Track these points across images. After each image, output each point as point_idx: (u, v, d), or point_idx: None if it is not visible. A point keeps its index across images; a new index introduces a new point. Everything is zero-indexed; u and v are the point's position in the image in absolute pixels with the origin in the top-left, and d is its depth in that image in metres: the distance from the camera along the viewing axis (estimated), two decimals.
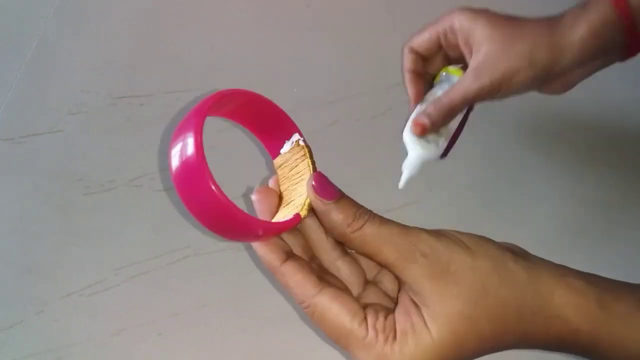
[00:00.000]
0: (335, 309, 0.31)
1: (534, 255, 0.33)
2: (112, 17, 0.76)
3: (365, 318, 0.31)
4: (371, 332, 0.30)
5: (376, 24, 0.74)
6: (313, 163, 0.35)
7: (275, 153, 0.38)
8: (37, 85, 0.70)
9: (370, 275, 0.35)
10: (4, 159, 0.65)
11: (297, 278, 0.32)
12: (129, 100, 0.69)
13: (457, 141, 0.55)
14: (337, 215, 0.31)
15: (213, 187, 0.31)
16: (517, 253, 0.32)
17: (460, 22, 0.48)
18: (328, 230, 0.33)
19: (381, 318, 0.31)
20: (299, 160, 0.36)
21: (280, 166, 0.37)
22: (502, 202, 0.61)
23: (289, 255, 0.32)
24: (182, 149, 0.33)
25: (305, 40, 0.73)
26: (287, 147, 0.37)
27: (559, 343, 0.31)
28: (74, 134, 0.67)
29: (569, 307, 0.30)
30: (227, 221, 0.31)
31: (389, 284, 0.35)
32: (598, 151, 0.64)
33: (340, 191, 0.32)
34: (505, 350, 0.31)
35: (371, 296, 0.34)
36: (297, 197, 0.34)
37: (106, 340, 0.55)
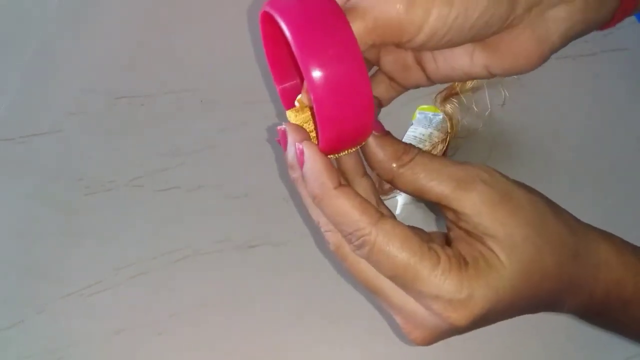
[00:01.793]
0: (400, 235, 0.28)
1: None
2: (112, 17, 0.76)
3: (431, 246, 0.28)
4: (444, 257, 0.28)
5: None
6: None
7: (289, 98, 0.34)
8: (37, 86, 0.70)
9: None
10: (4, 159, 0.65)
11: (356, 202, 0.28)
12: (129, 100, 0.69)
13: None
14: (387, 148, 0.29)
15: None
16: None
17: None
18: (374, 166, 0.30)
19: (446, 248, 0.29)
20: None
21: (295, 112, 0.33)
22: None
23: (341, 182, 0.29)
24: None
25: None
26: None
27: (604, 296, 0.31)
28: (74, 134, 0.67)
29: (613, 258, 0.31)
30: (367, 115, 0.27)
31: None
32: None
33: (386, 130, 0.30)
34: (554, 307, 0.31)
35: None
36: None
37: (106, 340, 0.55)
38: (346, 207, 0.28)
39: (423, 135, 0.59)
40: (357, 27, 0.27)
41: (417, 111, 0.62)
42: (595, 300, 0.31)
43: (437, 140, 0.59)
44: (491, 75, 0.33)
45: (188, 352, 0.55)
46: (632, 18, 0.69)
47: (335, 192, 0.28)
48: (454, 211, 0.29)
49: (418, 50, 0.32)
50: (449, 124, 0.60)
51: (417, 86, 0.35)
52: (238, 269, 0.58)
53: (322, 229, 0.30)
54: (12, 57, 0.73)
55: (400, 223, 0.29)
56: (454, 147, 0.62)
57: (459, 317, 0.27)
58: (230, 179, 0.63)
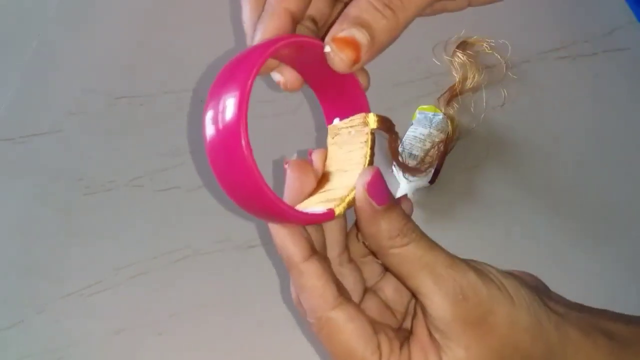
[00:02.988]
0: (349, 331, 0.28)
1: (559, 297, 0.31)
2: (112, 17, 0.76)
3: (379, 347, 0.28)
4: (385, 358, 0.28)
5: None
6: (372, 155, 0.30)
7: (332, 120, 0.32)
8: (37, 86, 0.70)
9: (370, 282, 0.33)
10: (3, 159, 0.65)
11: (317, 283, 0.28)
12: (128, 100, 0.69)
13: (442, 167, 0.59)
14: (383, 225, 0.27)
15: (248, 159, 0.25)
16: (543, 292, 0.30)
17: None
18: (366, 237, 0.29)
19: (396, 349, 0.28)
20: (356, 145, 0.30)
21: (333, 141, 0.32)
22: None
23: (313, 252, 0.28)
24: (221, 110, 0.26)
25: None
26: (349, 121, 0.31)
27: None
28: (74, 134, 0.67)
29: None
30: (255, 198, 0.26)
31: (390, 292, 0.32)
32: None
33: (393, 198, 0.28)
34: None
35: (371, 307, 0.31)
36: (339, 187, 0.29)
37: (106, 340, 0.55)
38: (308, 286, 0.28)
39: (423, 135, 0.59)
40: None
41: (417, 111, 0.62)
42: None
43: (437, 141, 0.59)
44: (469, 5, 0.33)
45: (188, 352, 0.55)
46: (633, 18, 0.69)
47: (299, 268, 0.28)
48: (424, 308, 0.28)
49: None
50: (450, 128, 0.60)
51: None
52: (238, 269, 0.58)
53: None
54: (12, 57, 0.72)
55: (356, 316, 0.28)
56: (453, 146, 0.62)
57: None
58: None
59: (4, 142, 0.66)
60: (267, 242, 0.59)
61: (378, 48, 0.26)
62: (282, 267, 0.60)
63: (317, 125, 0.65)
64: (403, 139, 0.59)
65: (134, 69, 0.71)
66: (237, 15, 0.78)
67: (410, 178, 0.57)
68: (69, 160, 0.65)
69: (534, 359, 0.28)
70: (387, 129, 0.30)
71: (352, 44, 0.25)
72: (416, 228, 0.28)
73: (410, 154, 0.59)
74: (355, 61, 0.26)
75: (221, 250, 0.59)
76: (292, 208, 0.27)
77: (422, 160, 0.57)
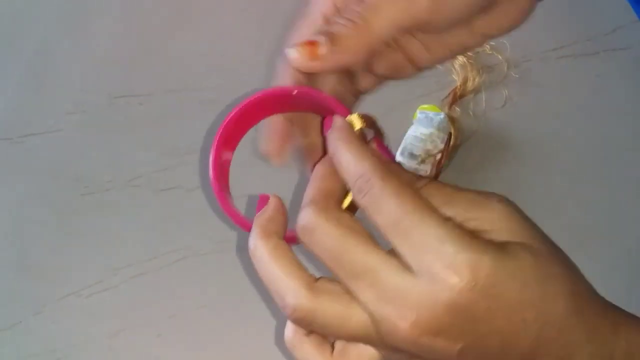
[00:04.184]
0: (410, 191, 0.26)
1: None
2: (112, 17, 0.75)
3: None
4: (452, 221, 0.25)
5: None
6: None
7: None
8: (36, 85, 0.70)
9: None
10: (2, 159, 0.65)
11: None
12: (127, 99, 0.69)
13: (442, 167, 0.58)
14: (404, 174, 0.27)
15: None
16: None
17: None
18: None
19: None
20: None
21: None
22: None
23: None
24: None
25: None
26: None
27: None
28: (72, 134, 0.66)
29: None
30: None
31: None
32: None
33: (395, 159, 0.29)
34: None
35: None
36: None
37: (105, 341, 0.55)
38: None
39: (424, 135, 0.59)
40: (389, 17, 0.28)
41: (418, 111, 0.61)
42: None
43: (438, 140, 0.59)
44: (485, 40, 0.33)
45: (188, 352, 0.54)
46: (634, 17, 0.69)
47: None
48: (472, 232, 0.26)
49: (433, 32, 0.32)
50: (453, 131, 0.60)
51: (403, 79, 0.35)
52: (238, 270, 0.58)
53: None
54: (11, 56, 0.72)
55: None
56: (453, 147, 0.61)
57: (460, 279, 0.23)
58: (230, 179, 0.62)
59: (3, 142, 0.66)
60: None
61: (341, 54, 0.28)
62: None
63: None
64: (404, 139, 0.59)
65: (133, 69, 0.71)
66: (238, 15, 0.78)
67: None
68: (67, 160, 0.65)
69: (580, 279, 0.27)
70: (372, 125, 0.30)
71: (311, 43, 0.28)
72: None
73: (411, 154, 0.58)
74: (313, 56, 0.28)
75: (221, 250, 0.59)
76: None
77: (432, 164, 0.57)
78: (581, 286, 0.26)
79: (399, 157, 0.57)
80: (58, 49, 0.73)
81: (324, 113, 0.31)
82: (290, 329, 0.28)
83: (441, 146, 0.59)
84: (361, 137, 0.28)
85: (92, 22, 0.75)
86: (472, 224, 0.25)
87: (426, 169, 0.57)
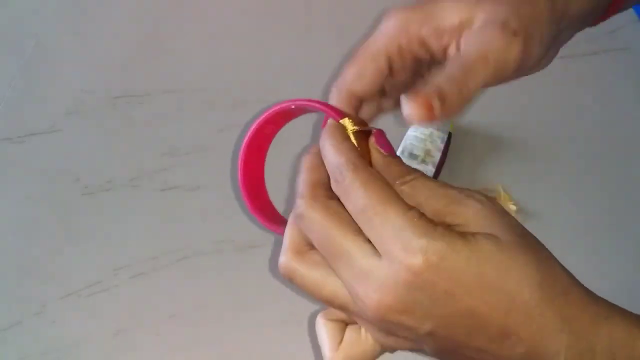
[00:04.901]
0: (380, 180, 0.29)
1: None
2: (112, 17, 0.75)
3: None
4: (416, 210, 0.27)
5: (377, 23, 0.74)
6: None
7: None
8: (36, 85, 0.70)
9: None
10: (1, 159, 0.65)
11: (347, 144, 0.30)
12: (127, 99, 0.69)
13: (442, 167, 0.58)
14: (392, 167, 0.30)
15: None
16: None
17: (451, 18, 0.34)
18: None
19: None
20: None
21: None
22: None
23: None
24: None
25: (305, 39, 0.73)
26: None
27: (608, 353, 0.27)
28: (72, 134, 0.66)
29: (620, 320, 0.28)
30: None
31: None
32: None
33: (395, 152, 0.32)
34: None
35: None
36: None
37: (105, 341, 0.55)
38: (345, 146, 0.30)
39: (424, 134, 0.59)
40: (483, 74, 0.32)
41: None
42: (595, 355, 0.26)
43: (438, 140, 0.59)
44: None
45: (187, 352, 0.54)
46: (635, 17, 0.69)
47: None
48: (449, 226, 0.28)
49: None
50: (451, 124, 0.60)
51: None
52: (238, 270, 0.58)
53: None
54: (11, 56, 0.72)
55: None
56: (453, 147, 0.61)
57: (416, 261, 0.26)
58: (230, 179, 0.63)
59: (2, 142, 0.66)
60: (267, 242, 0.59)
61: (446, 111, 0.31)
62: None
63: (315, 127, 0.64)
64: (404, 139, 0.59)
65: (132, 68, 0.71)
66: (238, 15, 0.78)
67: None
68: (67, 160, 0.65)
69: (560, 273, 0.28)
70: (362, 126, 0.32)
71: (428, 104, 0.30)
72: (418, 170, 0.31)
73: (411, 154, 0.58)
74: (429, 114, 0.30)
75: (221, 250, 0.59)
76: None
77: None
78: (553, 277, 0.27)
79: None
80: (58, 49, 0.73)
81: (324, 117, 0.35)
82: (319, 315, 0.33)
83: (441, 146, 0.59)
84: (356, 135, 0.31)
85: (92, 22, 0.75)
86: (447, 218, 0.28)
87: (426, 169, 0.57)
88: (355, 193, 0.28)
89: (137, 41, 0.73)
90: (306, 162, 0.31)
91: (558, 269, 0.28)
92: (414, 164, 0.58)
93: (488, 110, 0.64)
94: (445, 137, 0.59)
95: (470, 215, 0.28)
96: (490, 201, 0.29)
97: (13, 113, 0.68)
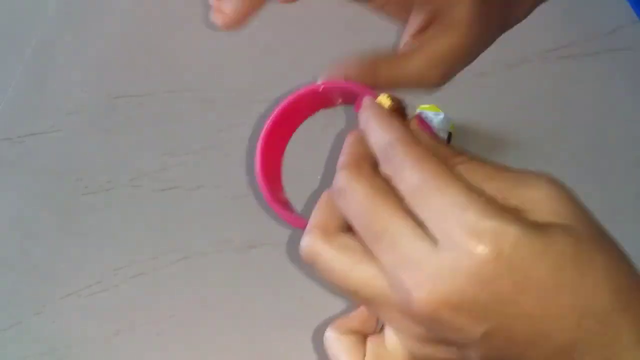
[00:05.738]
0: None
1: None
2: (112, 17, 0.75)
3: None
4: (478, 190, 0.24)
5: (377, 23, 0.74)
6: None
7: None
8: (36, 85, 0.70)
9: None
10: (2, 159, 0.65)
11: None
12: (127, 99, 0.69)
13: None
14: (443, 148, 0.26)
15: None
16: None
17: None
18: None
19: None
20: None
21: None
22: None
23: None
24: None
25: (305, 39, 0.73)
26: None
27: None
28: (72, 134, 0.66)
29: None
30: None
31: None
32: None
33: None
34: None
35: None
36: None
37: (105, 341, 0.55)
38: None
39: None
40: None
41: (418, 111, 0.61)
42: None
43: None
44: None
45: (187, 352, 0.54)
46: (635, 17, 0.69)
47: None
48: (513, 210, 0.24)
49: None
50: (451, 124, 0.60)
51: None
52: (238, 270, 0.58)
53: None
54: (11, 56, 0.72)
55: None
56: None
57: (484, 247, 0.21)
58: (230, 179, 0.63)
59: (3, 142, 0.66)
60: (267, 242, 0.59)
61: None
62: (283, 268, 0.61)
63: (318, 123, 0.64)
64: None
65: (133, 69, 0.71)
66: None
67: None
68: (67, 160, 0.65)
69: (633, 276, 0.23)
70: (399, 104, 0.31)
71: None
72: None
73: None
74: None
75: (221, 250, 0.59)
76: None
77: None
78: (629, 280, 0.23)
79: None
80: (58, 49, 0.73)
81: (355, 101, 0.32)
82: (330, 329, 0.28)
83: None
84: (393, 114, 0.29)
85: (92, 22, 0.75)
86: (513, 202, 0.24)
87: None
88: (409, 170, 0.24)
89: (137, 41, 0.73)
90: (350, 137, 0.28)
91: (633, 269, 0.24)
92: None
93: (488, 110, 0.64)
94: (445, 137, 0.59)
95: (541, 199, 0.24)
96: (557, 182, 0.25)
97: (13, 113, 0.68)
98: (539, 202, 0.24)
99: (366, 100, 0.29)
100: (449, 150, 0.27)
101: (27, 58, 0.72)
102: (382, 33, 0.72)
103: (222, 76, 0.70)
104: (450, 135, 0.60)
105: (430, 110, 0.61)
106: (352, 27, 0.74)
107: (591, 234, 0.23)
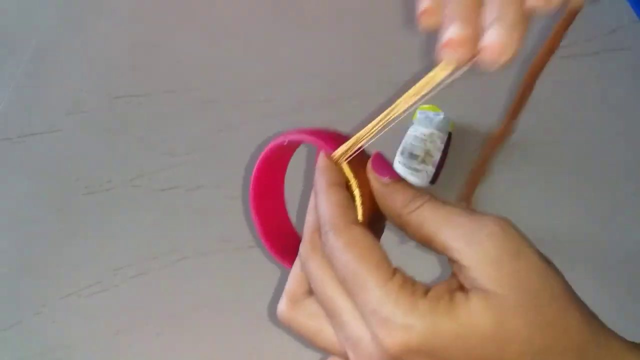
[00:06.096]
0: (369, 242, 0.27)
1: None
2: (112, 17, 0.75)
3: (394, 272, 0.26)
4: (399, 277, 0.26)
5: (376, 23, 0.74)
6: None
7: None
8: (36, 85, 0.70)
9: None
10: (2, 159, 0.65)
11: (343, 199, 0.28)
12: (127, 99, 0.69)
13: (442, 167, 0.58)
14: (395, 196, 0.28)
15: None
16: None
17: None
18: (384, 212, 0.29)
19: (411, 281, 0.26)
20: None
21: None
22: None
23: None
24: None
25: (305, 39, 0.73)
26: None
27: None
28: (72, 134, 0.66)
29: None
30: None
31: None
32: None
33: (398, 175, 0.29)
34: None
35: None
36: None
37: (105, 341, 0.55)
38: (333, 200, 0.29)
39: (424, 134, 0.59)
40: None
41: (418, 111, 0.61)
42: None
43: (438, 141, 0.59)
44: None
45: (187, 352, 0.54)
46: (635, 17, 0.69)
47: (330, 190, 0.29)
48: (456, 263, 0.26)
49: None
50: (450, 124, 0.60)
51: None
52: (238, 270, 0.58)
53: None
54: (11, 56, 0.72)
55: (371, 236, 0.27)
56: (453, 147, 0.61)
57: (393, 343, 0.24)
58: (230, 179, 0.63)
59: (3, 142, 0.66)
60: None
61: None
62: (283, 268, 0.60)
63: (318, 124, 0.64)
64: (404, 139, 0.59)
65: (133, 69, 0.71)
66: (237, 15, 0.78)
67: (410, 177, 0.57)
68: (67, 160, 0.65)
69: (567, 322, 0.25)
70: (357, 155, 0.31)
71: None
72: (426, 193, 0.29)
73: (411, 154, 0.58)
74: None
75: (221, 250, 0.59)
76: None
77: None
78: (555, 341, 0.25)
79: (399, 157, 0.57)
80: (58, 49, 0.73)
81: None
82: None
83: (441, 146, 0.59)
84: (351, 163, 0.30)
85: (92, 22, 0.75)
86: (455, 255, 0.26)
87: (426, 169, 0.57)
88: (336, 259, 0.26)
89: (137, 41, 0.73)
90: (310, 203, 0.30)
91: (567, 328, 0.25)
92: (414, 164, 0.57)
93: (488, 110, 0.64)
94: (445, 137, 0.59)
95: (479, 259, 0.25)
96: (502, 232, 0.26)
97: (13, 113, 0.68)
98: (477, 262, 0.25)
99: (319, 162, 0.30)
100: (408, 192, 0.28)
101: (27, 58, 0.72)
102: (382, 33, 0.73)
103: (222, 76, 0.70)
104: (450, 135, 0.60)
105: (430, 110, 0.61)
106: (353, 27, 0.74)
107: (515, 299, 0.24)
